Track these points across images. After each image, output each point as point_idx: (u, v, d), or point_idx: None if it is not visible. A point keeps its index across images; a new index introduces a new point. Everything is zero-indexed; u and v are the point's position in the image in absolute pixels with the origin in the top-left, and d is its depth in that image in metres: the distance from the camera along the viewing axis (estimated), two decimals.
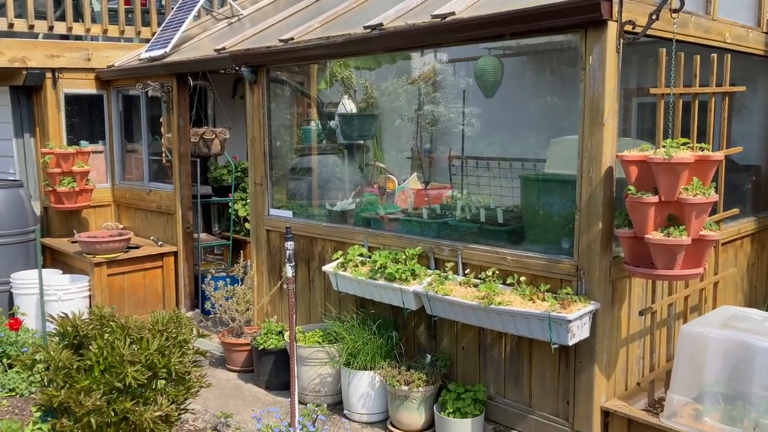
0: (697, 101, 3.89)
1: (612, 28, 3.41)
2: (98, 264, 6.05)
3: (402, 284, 4.17)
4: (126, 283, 6.27)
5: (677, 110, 3.60)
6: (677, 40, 3.74)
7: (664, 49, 3.61)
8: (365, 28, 4.52)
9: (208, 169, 8.36)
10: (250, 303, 5.46)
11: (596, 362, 3.62)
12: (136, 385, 2.74)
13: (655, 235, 3.23)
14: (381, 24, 4.43)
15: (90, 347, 2.81)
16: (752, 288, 5.31)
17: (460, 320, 3.97)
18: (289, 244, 3.56)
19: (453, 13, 4.02)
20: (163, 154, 6.44)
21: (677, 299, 3.95)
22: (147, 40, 7.52)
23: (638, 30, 3.44)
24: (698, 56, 3.86)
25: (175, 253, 6.51)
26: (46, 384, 2.89)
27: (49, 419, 2.74)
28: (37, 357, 2.94)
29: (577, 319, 3.42)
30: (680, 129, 3.67)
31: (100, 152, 7.29)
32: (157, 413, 2.69)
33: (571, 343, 3.47)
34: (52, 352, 2.75)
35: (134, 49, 7.38)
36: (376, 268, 4.33)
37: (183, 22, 6.50)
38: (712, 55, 4.00)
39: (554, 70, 6.20)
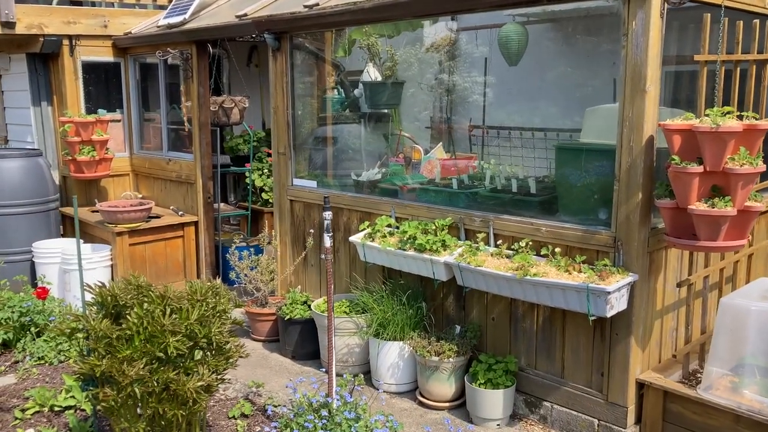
0: (738, 69, 3.79)
1: None
2: (120, 233, 6.03)
3: (433, 255, 4.13)
4: (147, 252, 6.26)
5: (721, 78, 3.50)
6: (718, 5, 3.63)
7: (709, 15, 3.50)
8: None
9: (224, 139, 8.30)
10: (274, 273, 5.44)
11: (633, 334, 3.59)
12: (176, 355, 2.72)
13: (698, 206, 3.16)
14: None
15: (129, 317, 2.79)
16: None
17: (492, 291, 3.93)
18: (327, 214, 3.51)
19: None
20: (185, 123, 6.37)
21: (713, 271, 3.90)
22: (163, 7, 7.43)
23: None
24: (741, 22, 3.75)
25: (196, 223, 6.49)
26: (86, 353, 2.87)
27: (90, 388, 2.73)
28: (75, 326, 2.92)
29: (615, 291, 3.38)
30: (722, 97, 3.58)
31: (118, 121, 7.22)
32: (200, 383, 2.68)
33: (609, 315, 3.43)
34: (92, 321, 2.73)
35: (151, 16, 7.27)
36: (406, 238, 4.29)
37: None
38: (755, 21, 3.89)
39: (580, 38, 6.07)
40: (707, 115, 3.13)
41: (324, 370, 4.50)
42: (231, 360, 2.94)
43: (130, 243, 6.10)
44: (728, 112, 3.14)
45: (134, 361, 2.61)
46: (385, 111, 5.62)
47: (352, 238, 4.69)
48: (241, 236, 7.25)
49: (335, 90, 5.75)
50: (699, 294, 3.89)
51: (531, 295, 3.71)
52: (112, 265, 6.14)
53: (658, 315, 3.80)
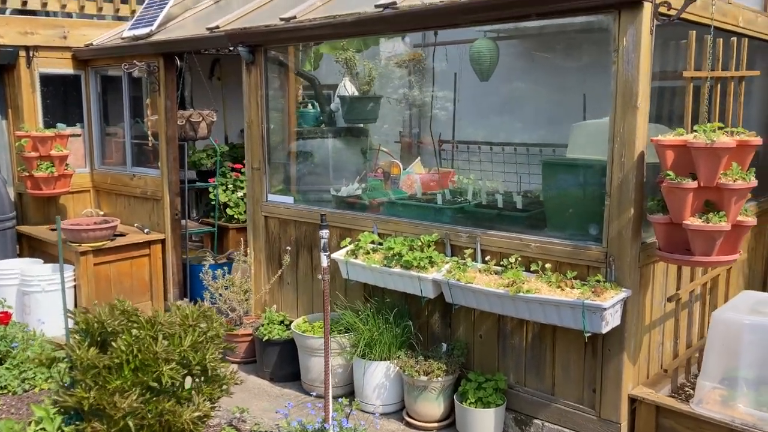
0: (719, 85, 3.86)
1: (647, 9, 3.33)
2: (84, 253, 5.77)
3: (420, 272, 4.05)
4: (113, 272, 6.01)
5: (715, 94, 3.56)
6: (698, 23, 3.70)
7: (694, 32, 3.56)
8: (377, 6, 4.35)
9: (186, 153, 8.08)
10: (248, 292, 5.28)
11: (625, 350, 3.58)
12: (170, 384, 2.57)
13: (694, 221, 3.18)
14: (394, 2, 4.27)
15: (116, 344, 2.62)
16: (751, 272, 5.37)
17: (483, 308, 3.88)
18: (324, 233, 3.41)
19: None
20: (150, 138, 6.16)
21: (697, 285, 3.94)
22: (123, 18, 7.22)
23: (672, 12, 3.37)
24: (721, 40, 3.82)
25: (163, 241, 6.26)
26: (67, 384, 2.69)
27: (75, 423, 2.55)
28: (56, 355, 2.73)
29: (611, 307, 3.36)
30: (707, 113, 3.63)
31: (78, 135, 6.94)
32: (196, 413, 2.53)
33: (604, 331, 3.41)
34: (78, 350, 2.55)
35: (112, 27, 7.04)
36: (391, 255, 4.20)
37: None
38: (732, 39, 3.98)
39: (550, 53, 6.13)
40: (702, 131, 3.16)
41: (315, 394, 4.37)
42: (225, 387, 2.79)
43: (95, 263, 5.84)
44: (720, 128, 3.17)
45: (126, 392, 2.45)
46: (360, 126, 5.55)
47: (334, 255, 4.58)
48: (209, 254, 7.05)
49: (310, 104, 5.65)
50: (685, 307, 3.92)
51: (523, 311, 3.66)
52: (75, 286, 5.87)
53: (646, 330, 3.81)
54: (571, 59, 5.91)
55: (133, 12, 7.14)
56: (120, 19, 7.23)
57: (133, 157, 6.67)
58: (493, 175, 5.57)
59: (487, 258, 4.01)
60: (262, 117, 5.27)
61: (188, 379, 2.82)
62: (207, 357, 2.65)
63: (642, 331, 3.76)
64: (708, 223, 3.15)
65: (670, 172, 3.21)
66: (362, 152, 5.45)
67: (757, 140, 3.18)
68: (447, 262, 4.10)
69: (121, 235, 6.16)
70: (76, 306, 5.89)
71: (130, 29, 6.31)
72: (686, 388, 3.82)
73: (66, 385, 2.71)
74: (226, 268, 5.73)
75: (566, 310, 3.47)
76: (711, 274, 4.10)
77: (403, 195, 5.04)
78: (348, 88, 5.20)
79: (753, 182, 3.15)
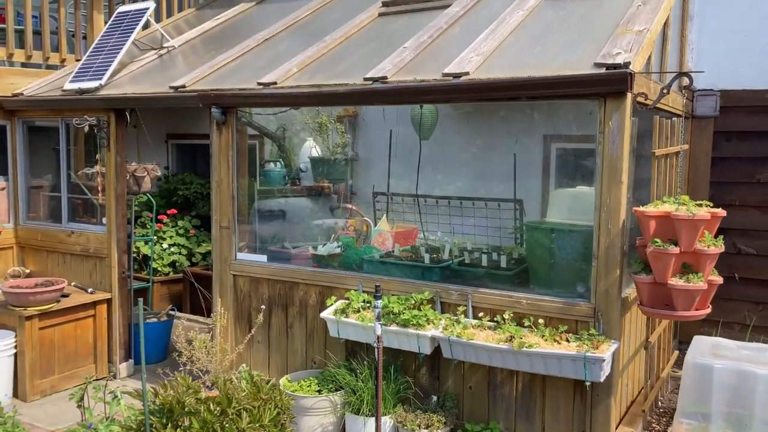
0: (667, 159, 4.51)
1: (629, 98, 3.87)
2: (30, 317, 5.42)
3: (418, 329, 4.30)
4: (57, 336, 5.68)
5: (665, 165, 4.15)
6: (659, 108, 4.33)
7: (658, 117, 4.17)
8: (366, 80, 4.62)
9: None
10: (223, 352, 5.22)
11: (613, 394, 4.03)
12: None
13: (677, 282, 3.71)
14: (385, 77, 4.56)
15: (184, 422, 2.64)
16: None
17: (482, 362, 4.19)
18: (378, 303, 3.56)
19: (467, 73, 4.28)
20: (99, 193, 5.94)
21: (658, 333, 4.51)
22: (51, 67, 6.91)
23: (649, 102, 3.94)
24: (668, 121, 4.48)
25: (109, 301, 6.01)
26: None
27: None
28: None
29: (608, 358, 3.80)
30: (665, 183, 4.25)
31: (2, 189, 6.52)
32: None
33: (602, 379, 3.84)
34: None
35: (41, 75, 6.75)
36: (386, 313, 4.41)
37: (118, 50, 6.07)
38: (673, 119, 4.67)
39: (486, 117, 6.67)
40: (683, 204, 3.72)
41: None
42: None
43: (40, 327, 5.51)
44: (698, 204, 3.75)
45: None
46: (328, 185, 5.74)
47: (323, 314, 4.69)
48: (146, 310, 6.82)
49: (277, 163, 5.76)
50: (650, 351, 4.47)
51: (524, 364, 4.02)
52: (16, 354, 5.48)
53: (620, 373, 4.30)
54: (504, 123, 6.49)
55: (63, 61, 6.88)
56: (50, 67, 6.92)
57: (70, 213, 6.37)
58: (460, 228, 5.94)
59: (480, 314, 4.34)
60: (233, 176, 5.31)
61: None
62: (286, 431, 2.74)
63: (618, 375, 4.24)
64: (689, 283, 3.69)
65: (657, 240, 3.74)
66: (330, 210, 5.63)
67: (723, 213, 3.79)
68: (440, 319, 4.38)
69: (65, 296, 5.85)
70: (16, 377, 5.51)
71: (73, 81, 6.09)
72: (653, 425, 4.34)
73: None
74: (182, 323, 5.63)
75: (567, 362, 3.86)
76: (663, 324, 4.70)
77: (374, 252, 5.27)
78: (316, 149, 5.38)
79: (722, 248, 3.74)
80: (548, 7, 5.15)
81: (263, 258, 5.27)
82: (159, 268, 7.95)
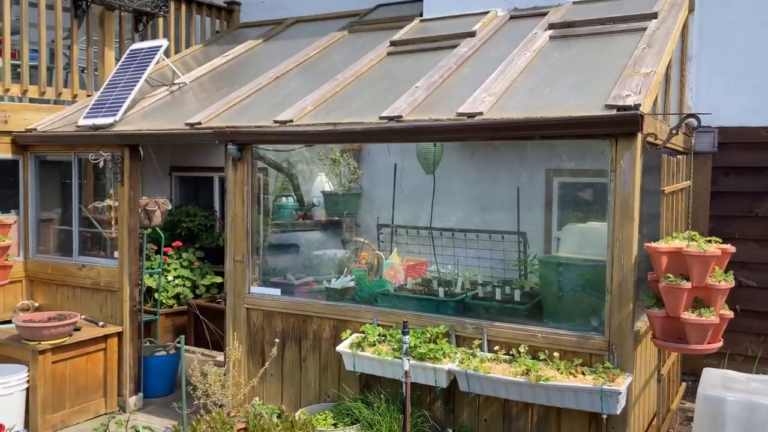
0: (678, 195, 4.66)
1: (639, 138, 4.03)
2: (43, 351, 5.44)
3: (435, 363, 4.38)
4: (68, 370, 5.70)
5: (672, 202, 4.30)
6: (666, 147, 4.49)
7: (666, 156, 4.33)
8: (381, 118, 4.76)
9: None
10: (238, 386, 5.27)
11: (627, 426, 4.12)
12: None
13: (690, 316, 3.82)
14: (400, 116, 4.71)
15: None
16: None
17: (499, 395, 4.26)
18: (406, 338, 3.64)
19: (481, 113, 4.43)
20: (112, 227, 6.01)
21: (669, 365, 4.62)
22: (59, 102, 7.02)
23: (659, 142, 4.11)
24: (680, 157, 4.64)
25: (120, 334, 6.05)
26: None
27: None
28: None
29: (624, 390, 3.90)
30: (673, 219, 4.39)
31: (12, 223, 6.56)
32: None
33: (619, 411, 3.93)
34: None
35: (53, 111, 6.85)
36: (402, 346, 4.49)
37: (132, 87, 6.19)
38: (678, 157, 4.84)
39: (491, 151, 6.84)
40: (694, 240, 3.85)
41: None
42: None
43: (53, 361, 5.53)
44: (708, 240, 3.89)
45: None
46: (338, 218, 5.85)
47: (339, 348, 4.76)
48: (153, 343, 6.86)
49: (290, 198, 5.87)
50: (662, 383, 4.57)
51: (541, 398, 4.10)
52: (28, 389, 5.49)
53: (632, 405, 4.39)
54: (507, 157, 6.67)
55: (75, 96, 6.99)
56: (57, 103, 7.03)
57: (80, 246, 6.43)
58: (453, 260, 6.06)
59: (496, 348, 4.43)
60: (247, 211, 5.41)
61: None
62: None
63: (631, 407, 4.33)
64: (701, 317, 3.81)
65: (669, 275, 3.86)
66: (342, 243, 5.74)
67: (732, 249, 3.93)
68: (456, 353, 4.46)
69: (77, 329, 5.87)
70: (28, 411, 5.52)
71: (87, 117, 6.19)
72: None
73: None
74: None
75: (584, 395, 3.95)
76: (672, 357, 4.81)
77: (385, 285, 5.36)
78: (329, 184, 5.50)
79: (733, 283, 3.87)
80: (554, 49, 5.35)
81: (277, 291, 5.35)
82: (164, 301, 7.98)
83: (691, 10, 5.76)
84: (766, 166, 6.08)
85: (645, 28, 5.10)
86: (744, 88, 6.07)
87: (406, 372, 3.68)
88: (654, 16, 5.23)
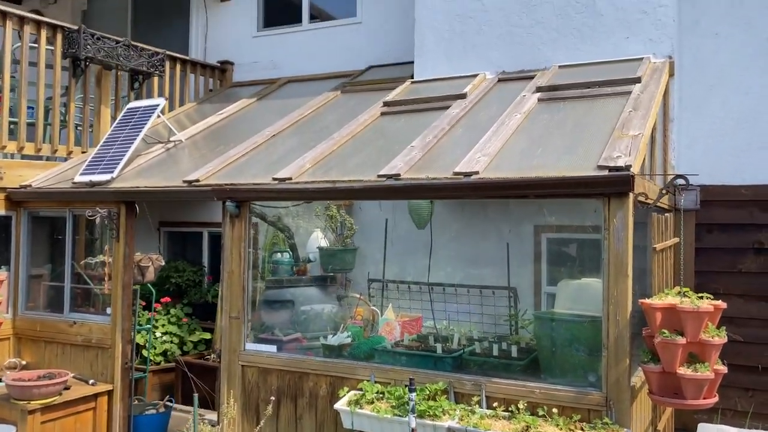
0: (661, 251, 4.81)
1: (631, 198, 4.18)
2: (32, 411, 5.35)
3: (434, 420, 4.38)
4: (57, 430, 5.59)
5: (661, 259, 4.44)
6: (657, 206, 4.66)
7: (655, 214, 4.49)
8: (380, 176, 4.89)
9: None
10: None
11: None
12: None
13: (685, 371, 3.91)
14: (398, 174, 4.83)
15: None
16: None
17: None
18: (413, 395, 3.67)
19: (477, 173, 4.58)
20: (106, 283, 6.00)
21: (666, 419, 4.67)
22: (52, 159, 7.07)
23: (649, 201, 4.27)
24: (668, 215, 4.81)
25: (110, 392, 5.96)
26: None
27: None
28: None
29: None
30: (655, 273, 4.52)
31: (2, 280, 6.52)
32: None
33: None
34: None
35: (48, 167, 6.90)
36: (402, 404, 4.49)
37: (129, 144, 6.28)
38: (666, 214, 5.01)
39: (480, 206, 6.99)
40: (687, 297, 3.97)
41: None
42: None
43: (42, 421, 5.43)
44: (700, 297, 4.01)
45: None
46: (333, 274, 5.91)
47: (337, 406, 4.74)
48: (142, 401, 6.76)
49: (286, 253, 5.93)
50: None
51: None
52: None
53: None
54: (497, 214, 6.82)
55: (70, 153, 7.06)
56: (49, 159, 7.07)
57: (71, 303, 6.39)
58: (442, 315, 6.13)
59: (495, 404, 4.46)
60: (244, 267, 5.45)
61: None
62: None
63: None
64: (697, 372, 3.90)
65: (665, 331, 3.96)
66: (338, 299, 5.77)
67: (724, 305, 4.05)
68: (455, 409, 4.48)
69: (67, 388, 5.79)
70: None
71: (84, 174, 6.25)
72: None
73: None
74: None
75: None
76: (667, 412, 4.87)
77: (381, 342, 5.38)
78: (325, 239, 5.58)
79: (725, 338, 3.98)
80: (543, 111, 5.56)
81: (273, 348, 5.34)
82: (151, 358, 7.89)
83: (671, 74, 6.04)
84: (747, 223, 6.28)
85: (630, 92, 5.34)
86: (723, 149, 6.31)
87: (413, 429, 3.69)
88: (638, 80, 5.49)
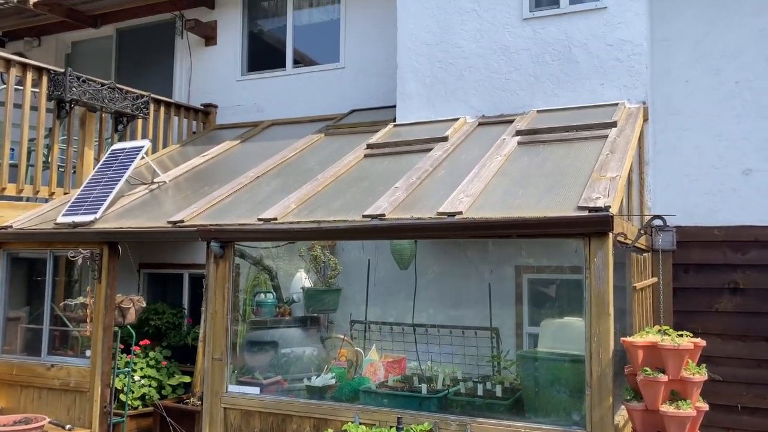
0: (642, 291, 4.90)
1: (611, 238, 4.29)
2: None
3: None
4: None
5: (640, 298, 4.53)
6: (635, 246, 4.77)
7: (635, 254, 4.59)
8: (365, 216, 4.96)
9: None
10: None
11: None
12: None
13: (668, 409, 3.96)
14: (383, 215, 4.90)
15: None
16: None
17: None
18: None
19: (460, 213, 4.67)
20: (88, 325, 5.93)
21: None
22: (30, 199, 7.05)
23: (628, 241, 4.37)
24: (646, 255, 4.92)
25: None
26: None
27: None
28: None
29: None
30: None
31: None
32: None
33: None
34: None
35: (29, 208, 6.87)
36: None
37: (113, 185, 6.29)
38: (645, 255, 5.12)
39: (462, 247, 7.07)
40: (667, 335, 4.05)
41: None
42: None
43: None
44: (680, 335, 4.09)
45: None
46: (316, 315, 5.91)
47: None
48: None
49: (269, 294, 5.93)
50: None
51: None
52: None
53: None
54: (479, 254, 6.91)
55: (52, 194, 7.04)
56: (29, 200, 7.04)
57: (50, 345, 6.30)
58: (427, 356, 6.14)
59: None
60: (228, 308, 5.43)
61: None
62: None
63: None
64: (680, 409, 3.95)
65: (647, 369, 4.02)
66: (321, 340, 5.76)
67: (703, 343, 4.13)
68: None
69: None
70: None
71: (67, 215, 6.23)
72: None
73: None
74: None
75: None
76: None
77: (365, 383, 5.37)
78: (309, 280, 5.60)
79: (706, 376, 4.05)
80: (524, 153, 5.70)
81: (256, 390, 5.30)
82: (129, 402, 7.74)
83: (645, 119, 6.25)
84: (721, 263, 6.43)
85: (607, 136, 5.51)
86: (696, 191, 6.49)
87: None
88: (614, 124, 5.67)
